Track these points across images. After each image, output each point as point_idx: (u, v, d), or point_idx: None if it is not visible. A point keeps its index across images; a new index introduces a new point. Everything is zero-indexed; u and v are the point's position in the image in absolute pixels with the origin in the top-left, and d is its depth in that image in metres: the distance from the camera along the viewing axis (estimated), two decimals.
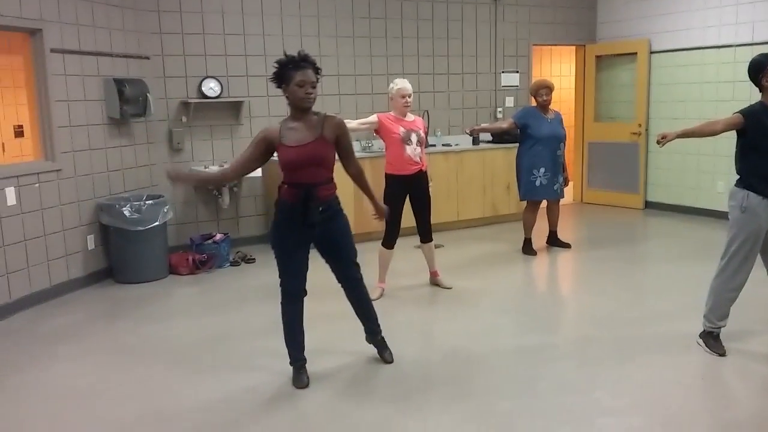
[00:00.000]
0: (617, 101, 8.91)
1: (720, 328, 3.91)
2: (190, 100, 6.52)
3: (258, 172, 6.46)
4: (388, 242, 5.07)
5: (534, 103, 6.44)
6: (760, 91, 3.73)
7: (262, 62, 6.78)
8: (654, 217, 8.05)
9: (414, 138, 4.98)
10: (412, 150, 4.97)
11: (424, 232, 5.19)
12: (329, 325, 4.41)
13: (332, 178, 3.56)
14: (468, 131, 6.32)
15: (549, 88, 6.29)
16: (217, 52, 6.67)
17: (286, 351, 3.66)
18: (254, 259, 6.31)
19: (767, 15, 6.99)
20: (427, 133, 5.24)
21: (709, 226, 7.32)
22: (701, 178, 7.87)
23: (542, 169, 6.21)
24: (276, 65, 3.40)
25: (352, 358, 3.94)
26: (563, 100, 10.82)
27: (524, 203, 6.51)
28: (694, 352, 3.94)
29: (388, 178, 5.01)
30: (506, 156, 7.79)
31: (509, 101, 8.45)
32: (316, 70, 3.42)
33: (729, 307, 3.87)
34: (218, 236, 6.24)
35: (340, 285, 3.76)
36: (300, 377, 3.62)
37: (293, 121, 3.45)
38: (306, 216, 3.43)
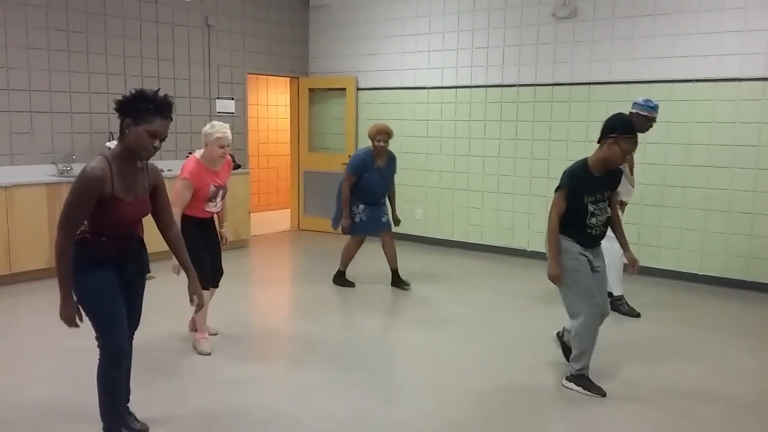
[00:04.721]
0: (330, 133, 9.36)
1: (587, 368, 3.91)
2: None
3: None
4: (204, 283, 4.36)
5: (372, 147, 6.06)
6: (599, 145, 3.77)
7: None
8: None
9: (219, 196, 4.54)
10: (213, 206, 4.56)
11: (215, 275, 4.69)
12: None
13: None
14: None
15: (387, 134, 5.97)
16: None
17: None
18: None
19: (454, 62, 7.96)
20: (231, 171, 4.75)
21: (411, 249, 8.02)
22: (403, 206, 8.59)
23: (361, 206, 6.03)
24: (133, 96, 2.83)
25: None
26: (280, 129, 11.09)
27: None
28: (381, 365, 4.20)
29: (183, 217, 4.34)
30: None
31: None
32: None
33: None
34: None
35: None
36: None
37: (122, 164, 2.87)
38: (142, 266, 3.09)
